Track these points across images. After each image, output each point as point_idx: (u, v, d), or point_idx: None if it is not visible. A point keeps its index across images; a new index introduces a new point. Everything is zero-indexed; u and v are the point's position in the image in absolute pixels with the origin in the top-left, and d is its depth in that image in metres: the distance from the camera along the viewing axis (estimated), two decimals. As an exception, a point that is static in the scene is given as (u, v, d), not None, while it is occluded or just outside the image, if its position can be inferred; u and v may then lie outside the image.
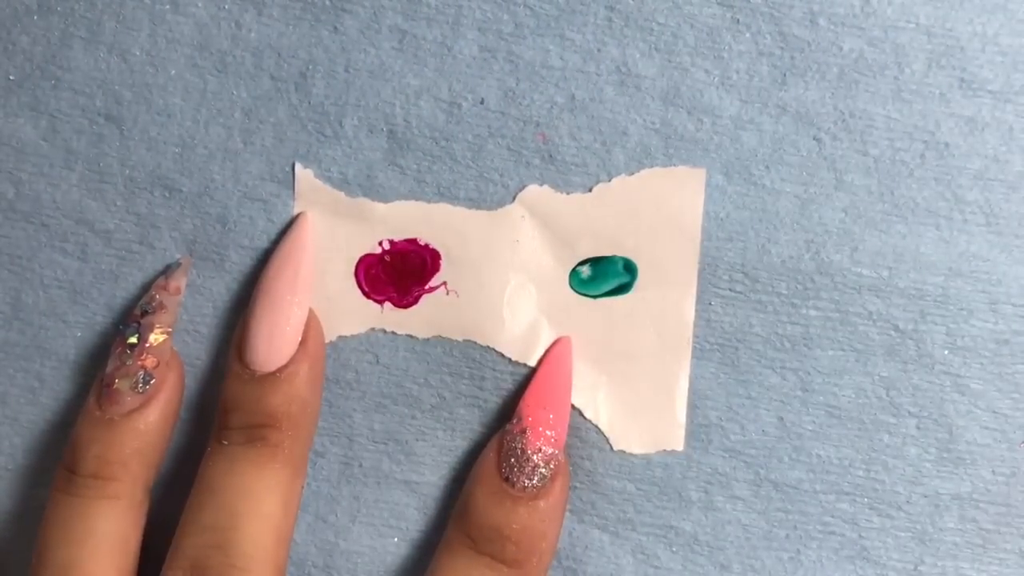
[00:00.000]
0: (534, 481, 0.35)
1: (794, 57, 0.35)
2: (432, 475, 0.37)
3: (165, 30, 0.35)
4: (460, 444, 0.37)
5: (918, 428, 0.36)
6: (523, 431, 0.35)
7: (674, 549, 0.37)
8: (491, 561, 0.34)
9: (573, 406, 0.36)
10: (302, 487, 0.36)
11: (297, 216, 0.36)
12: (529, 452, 0.35)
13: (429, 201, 0.36)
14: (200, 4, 0.35)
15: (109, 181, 0.36)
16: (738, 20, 0.34)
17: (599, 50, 0.35)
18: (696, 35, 0.35)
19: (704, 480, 0.36)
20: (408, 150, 0.36)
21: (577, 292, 0.36)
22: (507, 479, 0.35)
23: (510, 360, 0.36)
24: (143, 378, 0.35)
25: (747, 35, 0.35)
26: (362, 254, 0.36)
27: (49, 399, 0.38)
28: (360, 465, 0.37)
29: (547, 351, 0.36)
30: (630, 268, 0.36)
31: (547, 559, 0.36)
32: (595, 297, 0.36)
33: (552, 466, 0.35)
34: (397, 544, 0.38)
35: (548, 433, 0.35)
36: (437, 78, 0.35)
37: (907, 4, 0.34)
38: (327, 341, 0.36)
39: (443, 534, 0.36)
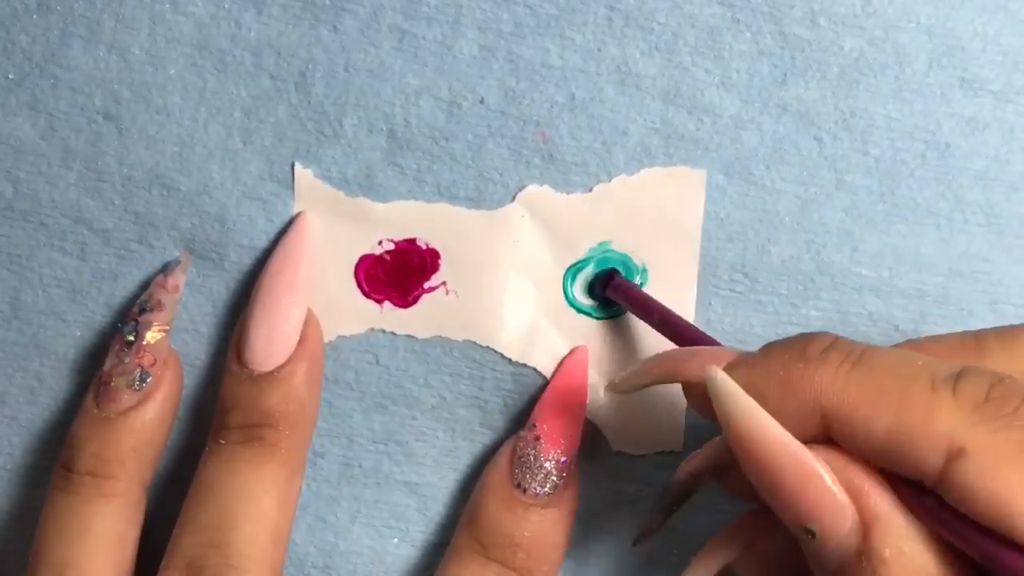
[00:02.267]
0: (546, 489, 0.35)
1: (795, 57, 0.35)
2: (432, 476, 0.37)
3: (164, 29, 0.35)
4: (460, 445, 0.37)
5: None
6: (537, 439, 0.35)
7: (675, 551, 0.37)
8: (501, 568, 0.35)
9: (573, 406, 0.36)
10: (300, 487, 0.36)
11: (297, 216, 0.36)
12: (542, 460, 0.35)
13: (429, 201, 0.36)
14: (200, 3, 0.35)
15: (108, 180, 0.36)
16: (738, 20, 0.34)
17: (599, 50, 0.35)
18: (696, 35, 0.35)
19: (704, 481, 0.36)
20: (408, 150, 0.36)
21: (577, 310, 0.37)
22: (519, 486, 0.35)
23: (510, 360, 0.36)
24: (140, 376, 0.35)
25: (747, 35, 0.34)
26: (362, 254, 0.36)
27: (48, 398, 0.38)
28: (360, 466, 0.37)
29: (563, 360, 0.36)
30: (628, 274, 0.36)
31: (557, 566, 0.36)
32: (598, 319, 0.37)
33: (564, 474, 0.35)
34: (397, 545, 0.38)
35: (561, 442, 0.35)
36: (437, 78, 0.35)
37: (908, 4, 0.34)
38: (327, 341, 0.36)
39: (452, 538, 0.36)
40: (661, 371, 0.31)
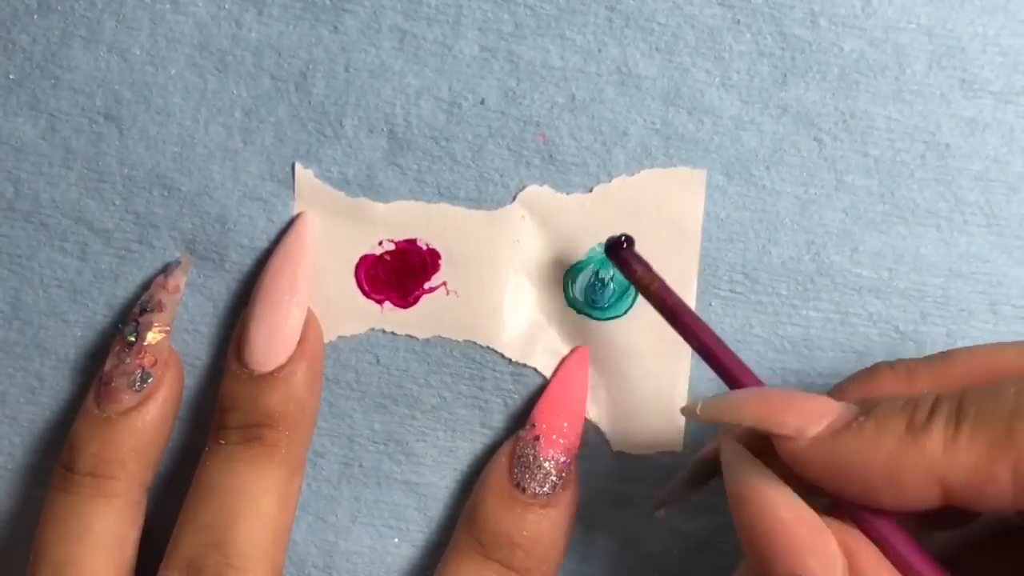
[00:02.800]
0: (545, 488, 0.35)
1: (795, 57, 0.35)
2: (432, 476, 0.37)
3: (165, 29, 0.35)
4: (460, 445, 0.37)
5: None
6: (536, 438, 0.35)
7: (674, 550, 0.37)
8: (500, 567, 0.35)
9: (573, 407, 0.36)
10: (300, 487, 0.36)
11: (297, 216, 0.36)
12: (541, 459, 0.35)
13: (429, 201, 0.36)
14: (200, 3, 0.35)
15: (108, 180, 0.36)
16: (739, 20, 0.34)
17: (599, 50, 0.35)
18: (697, 35, 0.35)
19: (704, 481, 0.36)
20: (408, 150, 0.36)
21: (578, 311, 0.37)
22: (518, 485, 0.35)
23: (510, 360, 0.36)
24: (141, 376, 0.35)
25: (748, 35, 0.34)
26: (362, 254, 0.36)
27: (49, 398, 0.38)
28: (360, 465, 0.37)
29: (563, 360, 0.36)
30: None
31: (556, 567, 0.36)
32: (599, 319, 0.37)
33: (563, 474, 0.35)
34: (397, 544, 0.38)
35: (561, 441, 0.35)
36: (437, 78, 0.35)
37: (908, 5, 0.34)
38: (327, 341, 0.36)
39: (452, 537, 0.36)
40: (754, 415, 0.29)
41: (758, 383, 0.31)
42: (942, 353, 0.31)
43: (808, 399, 0.28)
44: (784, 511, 0.27)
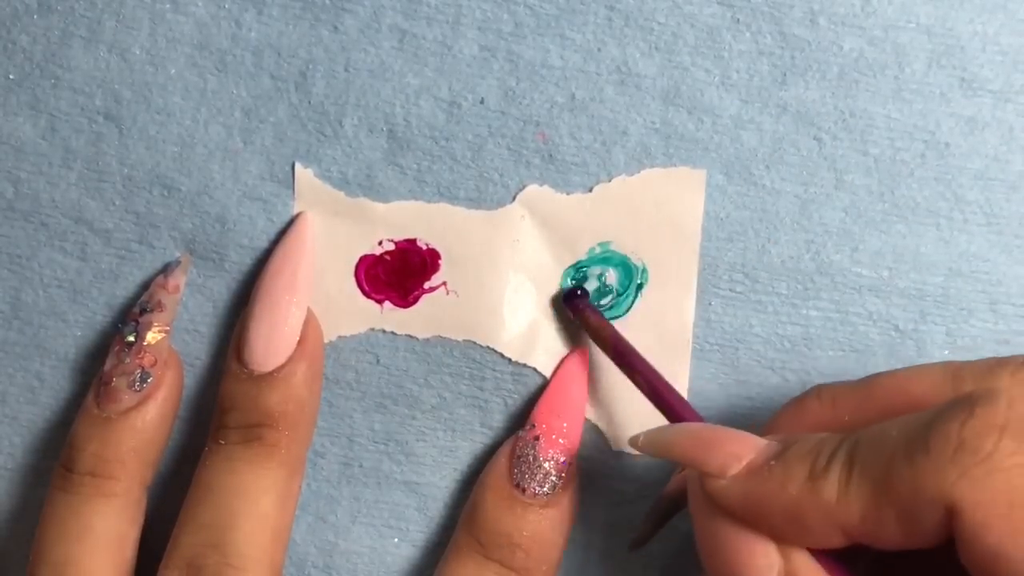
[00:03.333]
0: (545, 489, 0.35)
1: (794, 57, 0.35)
2: (432, 476, 0.37)
3: (165, 29, 0.35)
4: (460, 444, 0.37)
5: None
6: (536, 438, 0.35)
7: (675, 551, 0.37)
8: (500, 567, 0.35)
9: (573, 407, 0.37)
10: (300, 487, 0.36)
11: (297, 216, 0.36)
12: (541, 460, 0.35)
13: (429, 201, 0.36)
14: (200, 3, 0.35)
15: (108, 180, 0.36)
16: (738, 20, 0.34)
17: (599, 50, 0.35)
18: (696, 35, 0.35)
19: (704, 480, 0.36)
20: (408, 150, 0.36)
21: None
22: (518, 486, 0.35)
23: (510, 360, 0.36)
24: (141, 376, 0.35)
25: (747, 35, 0.35)
26: (362, 254, 0.36)
27: (49, 398, 0.38)
28: (360, 465, 0.37)
29: (563, 360, 0.36)
30: (628, 274, 0.36)
31: (556, 566, 0.36)
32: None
33: (563, 474, 0.35)
34: (397, 544, 0.38)
35: (561, 441, 0.35)
36: (437, 78, 0.35)
37: (907, 4, 0.34)
38: (327, 341, 0.36)
39: (452, 537, 0.36)
40: (681, 453, 0.30)
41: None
42: (865, 379, 0.31)
43: (733, 438, 0.29)
44: (730, 522, 0.28)
